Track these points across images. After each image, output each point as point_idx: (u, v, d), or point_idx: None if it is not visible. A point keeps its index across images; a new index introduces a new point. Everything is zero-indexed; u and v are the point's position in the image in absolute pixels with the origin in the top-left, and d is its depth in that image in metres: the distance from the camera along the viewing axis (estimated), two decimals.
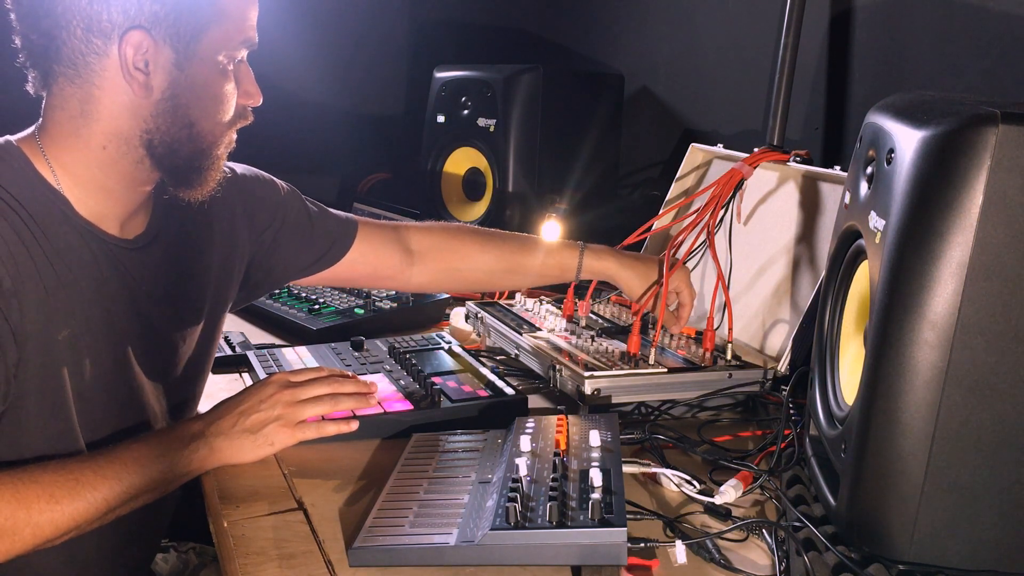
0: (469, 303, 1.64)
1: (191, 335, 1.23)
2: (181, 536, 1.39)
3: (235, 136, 1.14)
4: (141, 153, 1.06)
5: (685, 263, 1.51)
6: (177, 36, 1.02)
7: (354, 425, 1.15)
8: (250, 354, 1.42)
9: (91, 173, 1.06)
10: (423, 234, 1.45)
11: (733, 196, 1.50)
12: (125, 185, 1.09)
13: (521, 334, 1.45)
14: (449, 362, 1.42)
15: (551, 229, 2.03)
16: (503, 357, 1.52)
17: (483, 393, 1.28)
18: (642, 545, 0.91)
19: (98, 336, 1.08)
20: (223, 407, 1.11)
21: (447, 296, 1.80)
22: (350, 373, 1.22)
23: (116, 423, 1.11)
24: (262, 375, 1.31)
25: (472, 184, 2.19)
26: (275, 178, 1.37)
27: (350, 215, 1.42)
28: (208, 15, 1.04)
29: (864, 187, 0.95)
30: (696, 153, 1.73)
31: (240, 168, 1.32)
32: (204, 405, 1.18)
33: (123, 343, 1.11)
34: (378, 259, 1.41)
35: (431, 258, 1.44)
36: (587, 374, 1.25)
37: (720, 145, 1.69)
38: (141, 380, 1.14)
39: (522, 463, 0.97)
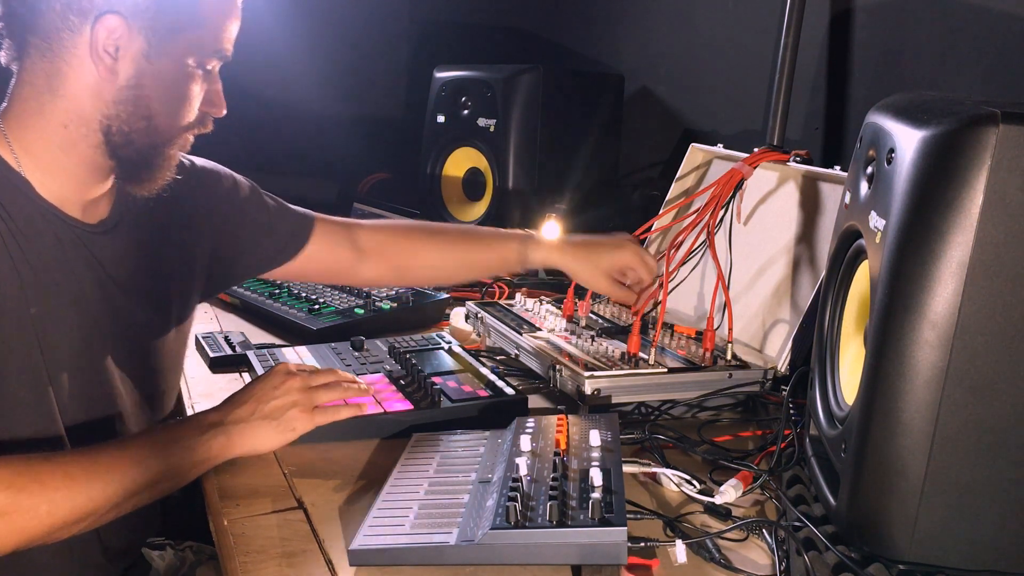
0: (469, 303, 1.64)
1: (158, 324, 1.23)
2: (178, 535, 1.39)
3: (191, 140, 1.16)
4: (99, 138, 1.07)
5: (640, 238, 1.53)
6: (152, 30, 1.04)
7: (366, 408, 1.17)
8: (250, 354, 1.42)
9: (52, 155, 1.07)
10: (372, 232, 1.47)
11: (733, 196, 1.50)
12: (86, 169, 1.09)
13: (521, 334, 1.45)
14: (449, 362, 1.42)
15: (551, 229, 2.03)
16: (503, 357, 1.52)
17: (483, 393, 1.28)
18: (642, 545, 0.91)
19: (67, 318, 1.08)
20: (237, 398, 1.11)
21: (447, 296, 1.80)
22: (349, 375, 1.22)
23: (85, 410, 1.11)
24: None
25: (472, 184, 2.19)
26: (235, 173, 1.38)
27: (307, 211, 1.44)
28: (187, 18, 1.06)
29: (864, 187, 0.95)
30: (696, 153, 1.73)
31: (200, 161, 1.33)
32: (203, 404, 1.18)
33: (91, 327, 1.11)
34: (331, 255, 1.43)
35: (380, 256, 1.46)
36: (587, 374, 1.25)
37: (720, 145, 1.69)
38: (110, 368, 1.14)
39: (522, 463, 0.97)
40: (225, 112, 1.16)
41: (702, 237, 1.49)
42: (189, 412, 1.29)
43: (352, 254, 1.44)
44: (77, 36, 1.02)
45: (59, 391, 1.07)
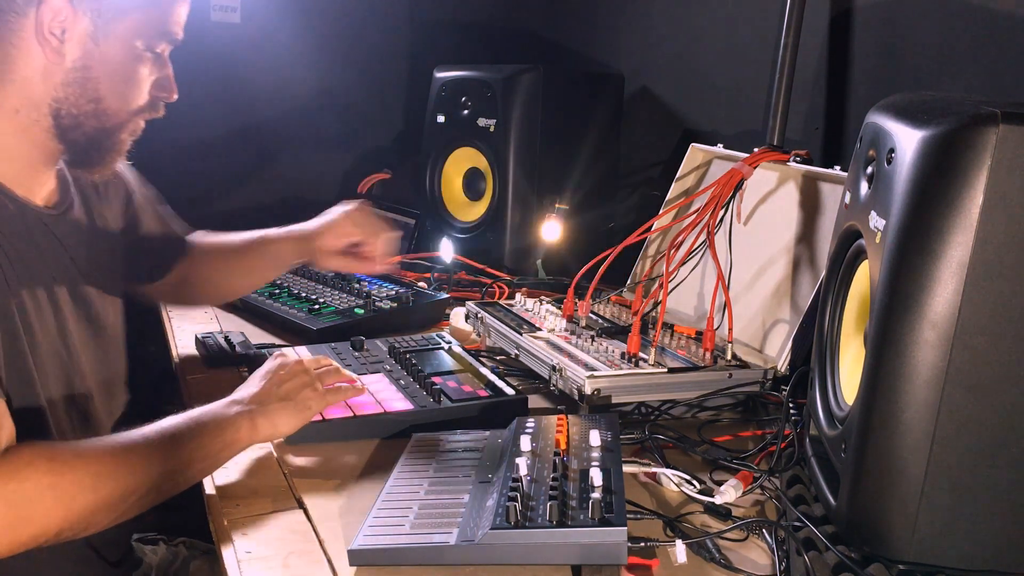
0: (469, 303, 1.64)
1: (112, 308, 1.25)
2: (172, 533, 1.39)
3: (142, 125, 1.16)
4: (50, 122, 1.08)
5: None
6: (98, 11, 1.05)
7: (365, 389, 1.22)
8: (251, 354, 1.42)
9: (7, 140, 1.08)
10: (190, 262, 1.48)
11: (733, 196, 1.50)
12: (40, 154, 1.11)
13: (521, 334, 1.45)
14: (449, 362, 1.42)
15: (551, 229, 2.03)
16: (503, 357, 1.52)
17: (483, 393, 1.28)
18: (642, 545, 0.91)
19: (42, 301, 1.09)
20: (250, 385, 1.12)
21: (447, 296, 1.81)
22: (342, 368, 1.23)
23: (53, 392, 1.11)
24: None
25: (472, 184, 2.19)
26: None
27: (182, 235, 1.46)
28: (133, 0, 1.07)
29: (864, 187, 0.95)
30: (696, 153, 1.73)
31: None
32: (202, 403, 1.18)
33: (60, 309, 1.12)
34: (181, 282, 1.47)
35: (197, 285, 1.50)
36: (587, 374, 1.25)
37: (720, 145, 1.69)
38: (76, 348, 1.15)
39: (522, 463, 0.97)
40: (176, 97, 1.17)
41: (702, 237, 1.49)
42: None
43: (178, 283, 1.48)
44: (24, 19, 1.03)
45: (43, 377, 1.08)
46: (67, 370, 1.13)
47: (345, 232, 1.44)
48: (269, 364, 1.15)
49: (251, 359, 1.44)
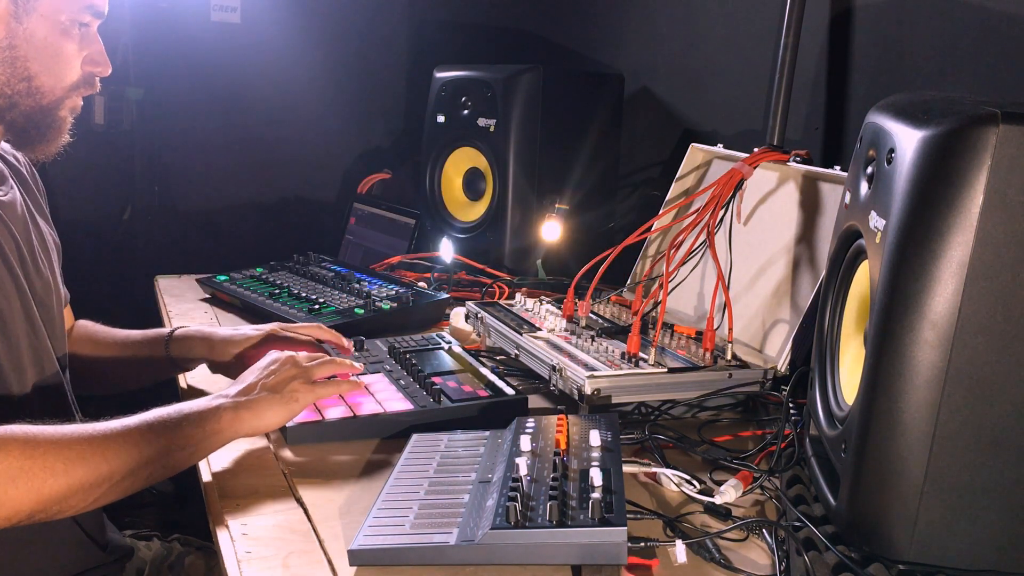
0: (469, 303, 1.64)
1: (55, 297, 1.24)
2: (170, 530, 1.39)
3: (80, 102, 1.17)
4: None
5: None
6: None
7: (363, 384, 1.22)
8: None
9: None
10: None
11: (733, 196, 1.50)
12: None
13: (521, 334, 1.45)
14: (449, 362, 1.42)
15: (551, 229, 2.03)
16: (503, 357, 1.52)
17: (483, 393, 1.28)
18: (642, 545, 0.91)
19: (5, 282, 1.10)
20: (238, 382, 1.12)
21: (447, 296, 1.81)
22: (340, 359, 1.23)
23: (28, 376, 1.12)
24: None
25: (472, 184, 2.19)
26: None
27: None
28: None
29: (864, 187, 0.95)
30: (696, 153, 1.73)
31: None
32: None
33: (12, 297, 1.12)
34: None
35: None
36: (587, 374, 1.25)
37: (720, 145, 1.69)
38: (43, 333, 1.16)
39: (522, 463, 0.97)
40: (110, 71, 1.18)
41: (702, 237, 1.49)
42: None
43: None
44: None
45: (17, 361, 1.08)
46: (38, 353, 1.14)
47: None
48: (257, 365, 1.15)
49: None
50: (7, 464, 0.89)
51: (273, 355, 1.16)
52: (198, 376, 1.42)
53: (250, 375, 1.12)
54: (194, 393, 1.36)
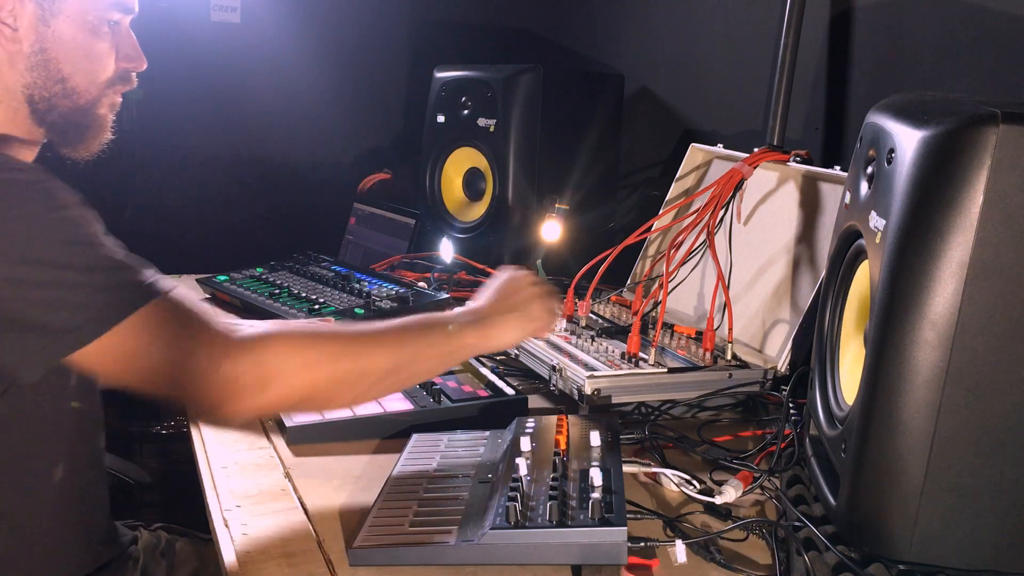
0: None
1: None
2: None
3: (119, 99, 1.17)
4: (27, 109, 1.10)
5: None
6: None
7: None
8: None
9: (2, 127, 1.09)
10: None
11: (733, 196, 1.50)
12: (28, 145, 1.12)
13: None
14: None
15: (551, 229, 2.03)
16: (503, 357, 1.52)
17: (483, 393, 1.28)
18: (642, 545, 0.91)
19: None
20: (479, 298, 1.16)
21: (447, 296, 1.80)
22: None
23: None
24: None
25: (472, 184, 2.19)
26: None
27: None
28: None
29: (864, 187, 0.95)
30: (696, 153, 1.73)
31: None
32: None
33: None
34: None
35: None
36: (587, 374, 1.25)
37: (720, 145, 1.69)
38: None
39: (522, 463, 0.97)
40: (146, 66, 1.18)
41: (702, 237, 1.49)
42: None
43: None
44: None
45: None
46: None
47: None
48: (498, 278, 1.19)
49: None
50: (277, 348, 0.96)
51: (511, 275, 1.20)
52: None
53: (489, 293, 1.16)
54: None
